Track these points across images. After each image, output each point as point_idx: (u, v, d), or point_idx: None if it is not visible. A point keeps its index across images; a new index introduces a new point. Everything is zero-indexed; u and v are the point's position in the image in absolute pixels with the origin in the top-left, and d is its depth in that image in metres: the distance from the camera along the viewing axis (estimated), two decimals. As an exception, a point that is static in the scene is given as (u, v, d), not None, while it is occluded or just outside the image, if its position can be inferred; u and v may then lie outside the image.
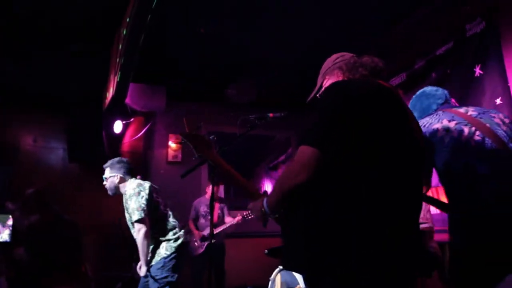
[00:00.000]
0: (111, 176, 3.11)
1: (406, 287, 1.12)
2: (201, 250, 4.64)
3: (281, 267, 3.34)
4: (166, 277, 2.89)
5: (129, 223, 3.02)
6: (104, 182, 3.13)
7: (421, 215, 3.37)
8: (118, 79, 3.61)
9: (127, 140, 5.42)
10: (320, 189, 1.08)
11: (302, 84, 1.58)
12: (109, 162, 3.16)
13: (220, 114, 5.77)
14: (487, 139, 1.76)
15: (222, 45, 4.44)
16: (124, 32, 3.37)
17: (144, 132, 5.41)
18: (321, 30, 3.99)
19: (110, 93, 4.10)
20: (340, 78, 1.40)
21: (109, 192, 3.12)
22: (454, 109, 1.99)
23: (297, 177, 1.06)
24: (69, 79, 4.74)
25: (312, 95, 1.53)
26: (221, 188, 5.46)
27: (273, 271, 3.45)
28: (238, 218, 4.72)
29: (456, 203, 1.82)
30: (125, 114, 5.09)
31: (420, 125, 1.85)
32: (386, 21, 4.17)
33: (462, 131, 1.82)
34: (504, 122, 1.88)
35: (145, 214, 2.85)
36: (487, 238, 1.65)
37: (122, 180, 3.10)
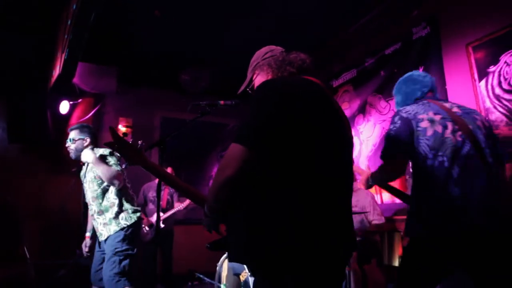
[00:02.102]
0: (80, 138, 3.00)
1: (342, 269, 1.22)
2: (150, 236, 4.58)
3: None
4: (126, 249, 2.80)
5: (94, 191, 2.92)
6: (69, 144, 3.00)
7: (377, 217, 3.59)
8: (65, 57, 3.42)
9: (74, 121, 5.17)
10: (258, 185, 1.14)
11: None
12: (77, 125, 3.08)
13: (173, 101, 5.68)
14: (467, 142, 1.77)
15: (179, 31, 4.35)
16: (74, 6, 3.20)
17: (93, 114, 5.19)
18: (277, 23, 4.05)
19: (56, 71, 3.88)
20: (270, 76, 1.44)
21: (73, 155, 3.01)
22: (439, 102, 1.95)
23: (224, 171, 1.12)
24: (11, 56, 4.42)
25: (243, 88, 1.57)
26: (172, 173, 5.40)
27: (219, 258, 3.50)
28: (187, 202, 4.69)
29: (422, 195, 1.82)
30: (72, 94, 4.83)
31: (405, 111, 1.90)
32: (341, 20, 4.30)
33: (446, 126, 1.80)
34: (484, 125, 1.87)
35: (121, 170, 2.85)
36: (443, 234, 1.69)
37: (89, 146, 3.01)
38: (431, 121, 1.82)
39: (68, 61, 3.48)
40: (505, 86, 2.91)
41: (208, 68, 5.11)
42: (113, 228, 2.84)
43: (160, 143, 1.77)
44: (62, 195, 4.24)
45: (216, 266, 3.52)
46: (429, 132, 1.80)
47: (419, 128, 1.83)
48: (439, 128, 1.80)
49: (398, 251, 3.53)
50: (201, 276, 3.43)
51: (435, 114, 1.84)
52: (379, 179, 2.07)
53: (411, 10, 3.84)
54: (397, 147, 1.92)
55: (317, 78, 1.36)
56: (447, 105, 1.92)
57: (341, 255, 1.19)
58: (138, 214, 2.97)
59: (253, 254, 1.14)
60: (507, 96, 2.89)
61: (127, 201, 2.95)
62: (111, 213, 2.87)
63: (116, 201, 2.90)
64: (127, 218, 2.88)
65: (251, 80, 1.53)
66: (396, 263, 3.49)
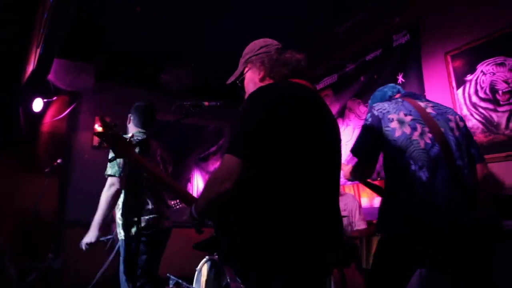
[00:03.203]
0: (129, 115, 2.86)
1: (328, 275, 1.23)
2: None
3: (208, 257, 3.34)
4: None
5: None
6: None
7: (360, 222, 3.62)
8: (40, 52, 3.29)
9: (48, 120, 4.99)
10: (252, 193, 1.13)
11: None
12: (138, 102, 2.91)
13: (153, 100, 5.56)
14: (436, 144, 1.76)
15: (160, 28, 4.27)
16: (51, 0, 3.08)
17: (68, 112, 5.02)
18: (261, 26, 4.03)
19: (30, 67, 3.73)
20: (262, 74, 1.41)
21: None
22: (415, 101, 1.95)
23: (222, 185, 1.10)
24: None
25: (232, 79, 1.53)
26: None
27: (199, 261, 3.44)
28: None
29: (392, 195, 1.84)
30: (47, 91, 4.66)
31: (378, 108, 1.92)
32: (323, 25, 4.33)
33: (415, 128, 1.80)
34: (458, 126, 1.86)
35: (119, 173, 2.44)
36: (410, 235, 1.70)
37: (130, 124, 2.86)
38: (401, 122, 1.83)
39: (43, 56, 3.35)
40: (481, 94, 2.99)
41: (189, 67, 5.04)
42: (121, 236, 2.46)
43: (141, 143, 1.72)
44: (34, 196, 4.06)
45: (193, 269, 3.45)
46: (397, 133, 1.82)
47: (388, 128, 1.85)
48: (407, 130, 1.80)
49: (376, 255, 3.57)
50: (179, 280, 3.36)
51: (406, 114, 1.85)
52: (353, 176, 2.11)
53: (392, 17, 3.91)
54: (365, 146, 1.97)
55: (308, 80, 1.35)
56: (422, 104, 1.92)
57: (330, 259, 1.18)
58: (134, 228, 2.42)
59: (244, 257, 1.13)
60: (483, 104, 2.98)
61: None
62: (118, 216, 2.52)
63: (120, 206, 2.53)
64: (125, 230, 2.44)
65: (242, 74, 1.49)
66: (374, 266, 3.53)
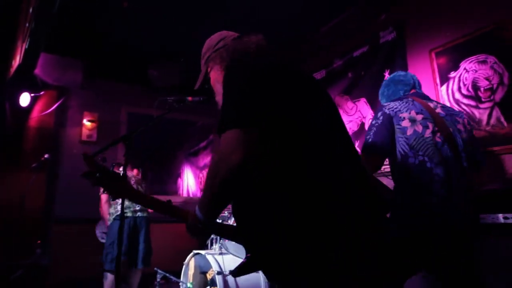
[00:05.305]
0: None
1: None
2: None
3: (195, 251, 3.36)
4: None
5: None
6: None
7: None
8: (26, 47, 3.26)
9: (35, 114, 4.96)
10: (265, 175, 0.98)
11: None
12: None
13: (141, 96, 5.56)
14: (446, 144, 1.79)
15: (148, 22, 4.25)
16: (36, -6, 3.05)
17: (56, 107, 4.99)
18: (250, 22, 4.04)
19: (16, 61, 3.70)
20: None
21: None
22: (424, 101, 1.98)
23: (230, 158, 0.92)
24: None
25: (199, 83, 1.44)
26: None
27: (185, 256, 3.46)
28: None
29: (404, 196, 1.81)
30: (34, 86, 4.63)
31: (389, 107, 1.91)
32: (312, 21, 4.35)
33: (427, 127, 1.83)
34: (466, 129, 1.90)
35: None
36: (420, 236, 1.69)
37: None
38: (412, 121, 1.85)
39: (29, 51, 3.33)
40: (464, 91, 3.05)
41: (177, 63, 5.03)
42: None
43: (125, 139, 1.72)
44: (21, 192, 4.04)
45: (179, 264, 3.47)
46: (409, 131, 1.83)
47: (399, 126, 1.86)
48: (419, 128, 1.82)
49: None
50: (166, 274, 3.38)
51: (417, 113, 1.87)
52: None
53: (379, 14, 3.94)
54: (377, 143, 1.93)
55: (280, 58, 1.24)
56: (431, 104, 1.95)
57: (334, 260, 0.97)
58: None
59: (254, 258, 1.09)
60: (465, 101, 3.03)
61: None
62: None
63: None
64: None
65: (207, 74, 1.40)
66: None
